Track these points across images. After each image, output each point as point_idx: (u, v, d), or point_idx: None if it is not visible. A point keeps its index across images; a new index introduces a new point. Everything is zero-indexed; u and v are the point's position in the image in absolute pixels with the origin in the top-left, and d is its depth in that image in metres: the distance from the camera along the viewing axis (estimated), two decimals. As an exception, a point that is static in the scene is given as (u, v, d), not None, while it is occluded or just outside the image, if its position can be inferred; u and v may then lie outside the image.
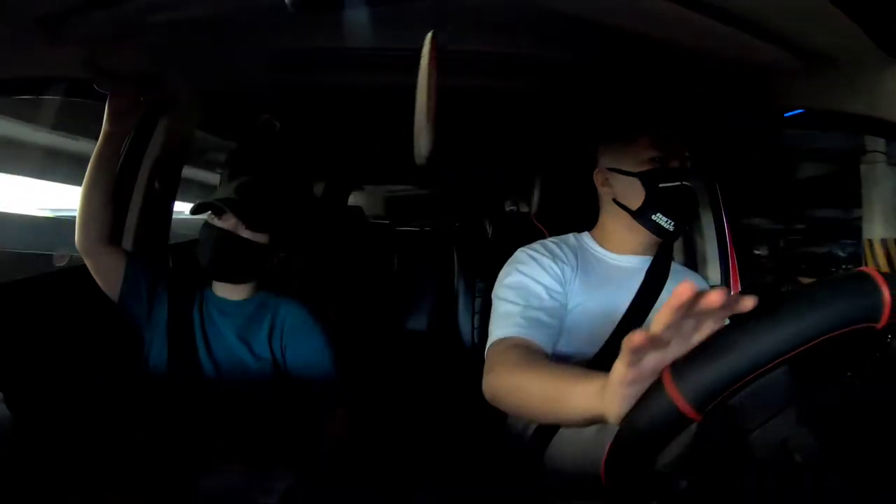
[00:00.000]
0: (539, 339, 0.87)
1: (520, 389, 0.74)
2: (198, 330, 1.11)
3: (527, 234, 1.18)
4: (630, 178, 0.97)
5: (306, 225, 1.23)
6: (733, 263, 1.41)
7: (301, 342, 1.13)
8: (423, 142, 0.74)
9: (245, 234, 1.06)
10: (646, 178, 0.96)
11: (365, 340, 1.51)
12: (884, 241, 4.58)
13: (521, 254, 1.00)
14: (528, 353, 0.83)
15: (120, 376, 1.14)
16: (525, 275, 0.95)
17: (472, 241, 1.53)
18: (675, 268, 1.05)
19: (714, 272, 1.42)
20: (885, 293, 0.39)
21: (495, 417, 1.07)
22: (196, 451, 1.01)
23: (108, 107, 1.07)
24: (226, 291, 1.14)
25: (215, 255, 1.06)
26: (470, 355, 1.35)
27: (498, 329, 0.89)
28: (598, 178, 1.03)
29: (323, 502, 1.02)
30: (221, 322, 1.12)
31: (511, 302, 0.92)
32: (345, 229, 2.10)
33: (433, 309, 1.85)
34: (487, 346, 0.89)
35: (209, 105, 1.38)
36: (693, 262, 1.43)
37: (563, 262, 0.98)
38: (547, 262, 0.97)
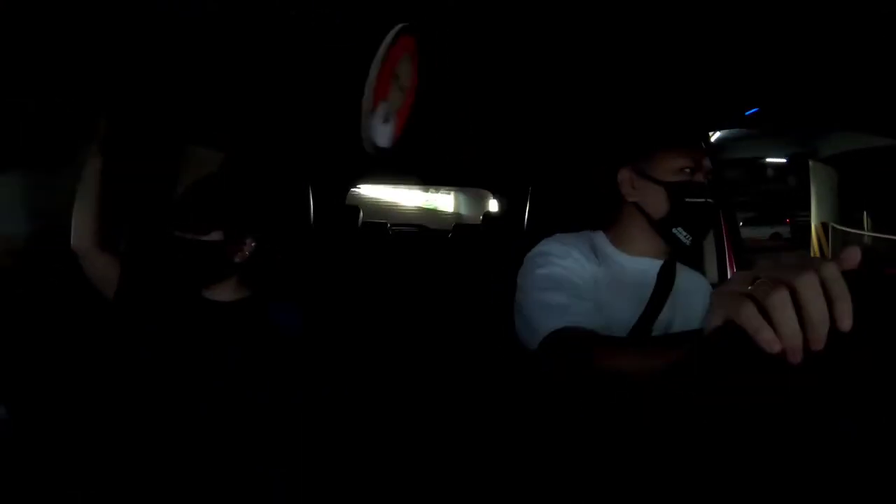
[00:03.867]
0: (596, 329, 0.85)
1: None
2: (190, 332, 1.10)
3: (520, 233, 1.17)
4: (657, 187, 0.96)
5: (276, 220, 1.21)
6: (731, 262, 1.41)
7: (295, 346, 1.13)
8: (376, 133, 0.74)
9: (191, 236, 1.06)
10: (673, 190, 0.95)
11: (363, 341, 1.50)
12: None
13: (551, 245, 0.98)
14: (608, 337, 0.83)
15: (115, 376, 1.13)
16: (563, 267, 0.93)
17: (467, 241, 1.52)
18: (680, 268, 1.05)
19: (711, 270, 1.43)
20: None
21: (497, 416, 1.08)
22: (190, 450, 1.00)
23: (106, 109, 1.06)
24: (212, 293, 1.14)
25: (172, 261, 1.08)
26: (474, 356, 1.35)
27: (552, 320, 0.86)
28: (622, 178, 1.01)
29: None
30: (212, 323, 1.11)
31: (558, 291, 0.90)
32: (338, 228, 2.10)
33: (435, 309, 1.85)
34: (540, 337, 0.86)
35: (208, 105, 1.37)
36: (691, 261, 1.43)
37: (587, 259, 0.96)
38: (577, 255, 0.96)
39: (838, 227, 6.92)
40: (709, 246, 1.44)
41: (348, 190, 2.66)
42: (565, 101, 1.32)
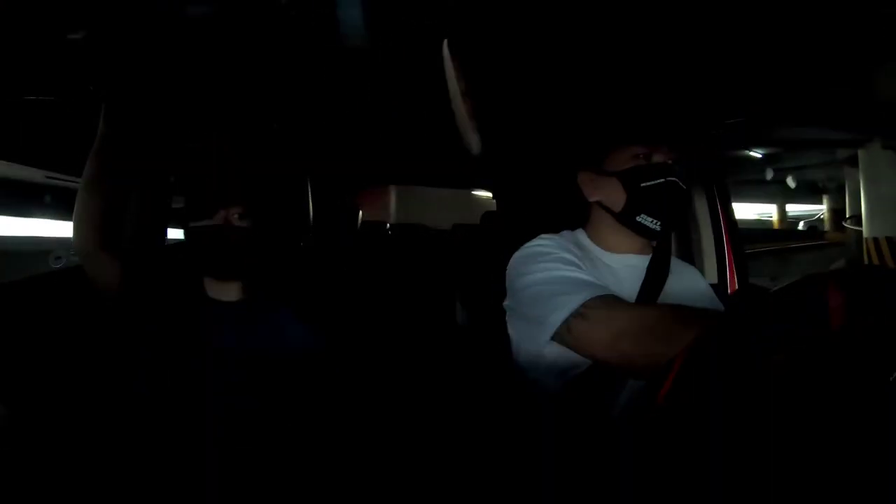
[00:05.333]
0: None
1: None
2: (193, 332, 1.10)
3: (518, 232, 1.16)
4: (612, 179, 0.93)
5: (296, 215, 1.23)
6: (730, 259, 1.41)
7: (299, 347, 1.13)
8: (472, 141, 0.75)
9: (238, 223, 1.09)
10: (625, 178, 0.92)
11: (367, 341, 1.51)
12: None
13: (543, 241, 0.94)
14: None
15: (117, 378, 1.13)
16: (568, 257, 0.89)
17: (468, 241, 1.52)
18: (674, 263, 1.04)
19: (710, 267, 1.43)
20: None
21: (499, 414, 1.08)
22: (192, 450, 1.00)
23: (106, 109, 1.06)
24: (219, 292, 1.14)
25: (217, 251, 1.09)
26: (474, 354, 1.35)
27: (583, 291, 0.80)
28: (582, 180, 0.99)
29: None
30: (216, 322, 1.11)
31: (576, 269, 0.85)
32: (340, 228, 2.10)
33: (435, 308, 1.85)
34: (569, 312, 0.79)
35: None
36: (690, 258, 1.43)
37: (578, 257, 0.93)
38: (572, 249, 0.92)
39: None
40: (708, 244, 1.44)
41: (348, 191, 2.66)
42: (526, 105, 1.33)
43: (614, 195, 0.93)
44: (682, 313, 0.73)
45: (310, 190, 1.74)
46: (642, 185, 0.91)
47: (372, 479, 1.14)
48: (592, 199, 0.98)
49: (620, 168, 0.92)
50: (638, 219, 0.92)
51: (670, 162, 0.93)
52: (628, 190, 0.92)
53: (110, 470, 0.98)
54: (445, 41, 0.72)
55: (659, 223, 0.92)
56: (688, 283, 1.03)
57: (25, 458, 0.87)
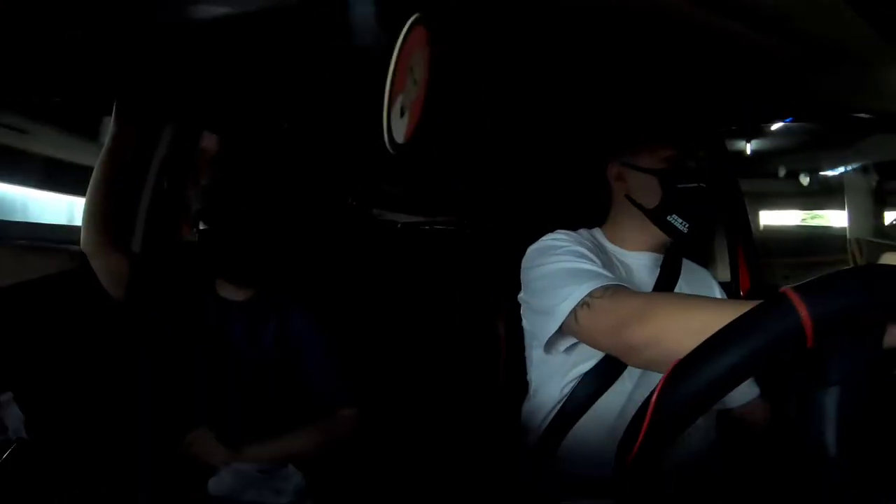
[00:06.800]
0: None
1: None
2: (203, 330, 1.11)
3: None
4: (646, 176, 0.95)
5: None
6: (742, 261, 1.39)
7: (309, 348, 1.14)
8: (394, 129, 0.72)
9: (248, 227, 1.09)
10: (663, 177, 0.94)
11: (373, 344, 1.50)
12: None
13: (559, 235, 0.94)
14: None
15: (125, 377, 1.14)
16: (582, 249, 0.89)
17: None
18: (685, 264, 1.04)
19: (723, 269, 1.41)
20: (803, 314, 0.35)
21: (505, 420, 1.07)
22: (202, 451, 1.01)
23: (117, 107, 1.07)
24: (230, 291, 1.15)
25: (228, 256, 1.10)
26: (480, 360, 1.34)
27: (589, 281, 0.79)
28: (611, 173, 1.00)
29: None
30: (227, 322, 1.12)
31: (586, 261, 0.85)
32: (344, 228, 2.09)
33: (444, 312, 1.84)
34: (576, 302, 0.78)
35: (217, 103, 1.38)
36: (702, 259, 1.41)
37: (594, 252, 0.93)
38: (588, 245, 0.93)
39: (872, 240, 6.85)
40: (720, 247, 1.42)
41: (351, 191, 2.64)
42: (551, 100, 1.31)
43: (648, 192, 0.95)
44: (687, 301, 0.74)
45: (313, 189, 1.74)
46: (679, 186, 0.93)
47: (373, 479, 1.14)
48: (622, 192, 0.99)
49: (657, 166, 0.94)
50: (668, 218, 0.94)
51: (703, 168, 0.96)
52: (665, 188, 0.94)
53: (117, 469, 0.99)
54: (413, 18, 0.68)
55: (687, 225, 0.94)
56: (698, 285, 1.02)
57: (34, 458, 0.87)
